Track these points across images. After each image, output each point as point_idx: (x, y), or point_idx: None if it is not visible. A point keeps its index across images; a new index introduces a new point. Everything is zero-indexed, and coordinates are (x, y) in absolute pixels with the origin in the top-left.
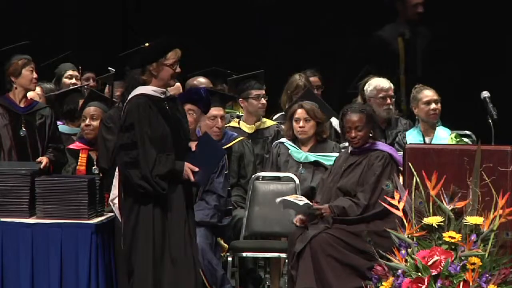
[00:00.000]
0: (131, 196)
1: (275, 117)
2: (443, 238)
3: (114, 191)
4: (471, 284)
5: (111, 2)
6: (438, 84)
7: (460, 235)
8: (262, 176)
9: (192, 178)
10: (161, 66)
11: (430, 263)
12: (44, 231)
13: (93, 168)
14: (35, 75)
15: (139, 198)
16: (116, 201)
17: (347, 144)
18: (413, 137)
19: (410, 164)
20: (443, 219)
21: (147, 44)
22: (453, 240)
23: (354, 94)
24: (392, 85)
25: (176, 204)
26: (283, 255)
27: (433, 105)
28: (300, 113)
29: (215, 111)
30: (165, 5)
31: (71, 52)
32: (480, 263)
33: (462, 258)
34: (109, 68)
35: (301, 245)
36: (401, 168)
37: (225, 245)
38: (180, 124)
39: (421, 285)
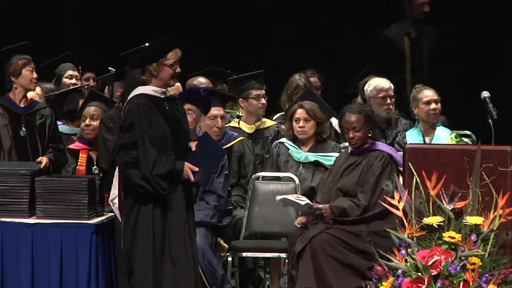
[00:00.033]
0: (131, 196)
1: (275, 117)
2: (443, 238)
3: (114, 191)
4: (471, 284)
5: (111, 2)
6: (438, 84)
7: (460, 235)
8: (262, 176)
9: (192, 178)
10: (161, 66)
11: (430, 263)
12: (44, 231)
13: (93, 168)
14: (35, 75)
15: (139, 198)
16: (116, 201)
17: (347, 144)
18: (413, 137)
19: (410, 164)
20: (443, 219)
21: (147, 44)
22: (453, 240)
23: (354, 94)
24: (392, 85)
25: (176, 204)
26: (283, 255)
27: (433, 105)
28: (300, 113)
29: (215, 111)
30: (165, 5)
31: (71, 52)
32: (480, 263)
33: (462, 258)
34: (109, 68)
35: (301, 245)
36: (401, 168)
37: (225, 245)
38: (180, 124)
39: (421, 285)
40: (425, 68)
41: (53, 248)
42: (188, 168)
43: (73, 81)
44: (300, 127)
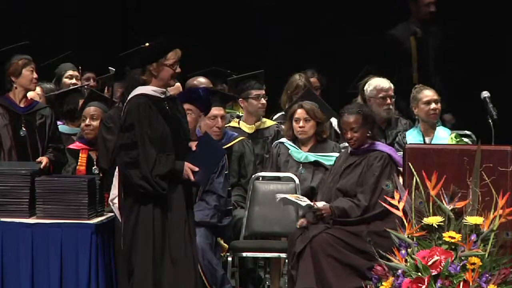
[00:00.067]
0: (131, 196)
1: (275, 117)
2: (443, 238)
3: (114, 191)
4: (471, 284)
5: (111, 2)
6: (444, 84)
7: (460, 235)
8: (262, 176)
9: (192, 178)
10: (161, 66)
11: (430, 263)
12: (44, 231)
13: (93, 168)
14: (35, 75)
15: (139, 198)
16: (116, 201)
17: (347, 144)
18: (413, 137)
19: (410, 164)
20: (443, 219)
21: (147, 44)
22: (453, 240)
23: (354, 94)
24: (392, 85)
25: (176, 204)
26: (283, 255)
27: (433, 105)
28: (300, 113)
29: (215, 111)
30: (165, 5)
31: (71, 52)
32: (480, 263)
33: (462, 258)
34: (109, 68)
35: (301, 245)
36: (401, 168)
37: (225, 245)
38: (180, 124)
39: (421, 285)
40: (431, 68)
41: (53, 248)
42: (188, 168)
43: (73, 81)
44: (300, 127)
